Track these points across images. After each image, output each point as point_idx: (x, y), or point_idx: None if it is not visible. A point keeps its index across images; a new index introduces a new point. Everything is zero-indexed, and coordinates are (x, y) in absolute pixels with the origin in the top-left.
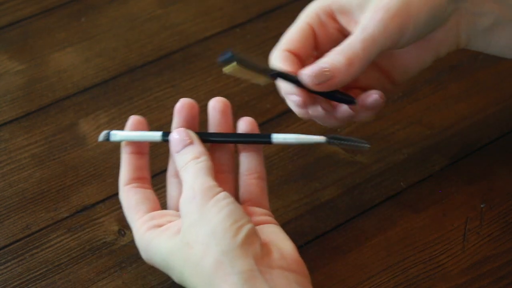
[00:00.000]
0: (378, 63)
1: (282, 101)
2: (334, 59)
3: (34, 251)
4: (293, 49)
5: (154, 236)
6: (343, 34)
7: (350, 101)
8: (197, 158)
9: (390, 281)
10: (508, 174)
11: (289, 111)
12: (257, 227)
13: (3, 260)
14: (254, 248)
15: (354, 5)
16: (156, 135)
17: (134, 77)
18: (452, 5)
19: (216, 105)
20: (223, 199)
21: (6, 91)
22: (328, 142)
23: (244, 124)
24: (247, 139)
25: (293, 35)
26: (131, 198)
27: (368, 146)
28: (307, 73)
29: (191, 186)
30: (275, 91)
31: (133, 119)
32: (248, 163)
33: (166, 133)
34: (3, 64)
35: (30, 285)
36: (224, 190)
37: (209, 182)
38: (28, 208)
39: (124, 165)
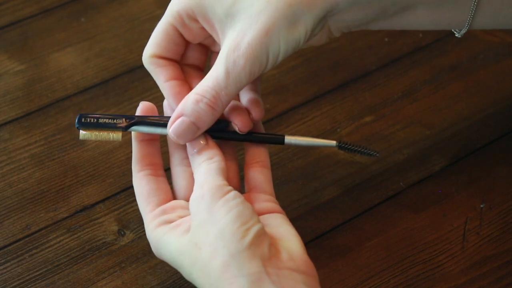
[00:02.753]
0: None
1: (282, 101)
2: (198, 110)
3: (34, 251)
4: (161, 54)
5: (164, 232)
6: (208, 33)
7: (224, 126)
8: (211, 159)
9: (390, 281)
10: (508, 174)
11: (289, 111)
12: (264, 217)
13: (3, 260)
14: (262, 249)
15: (217, 17)
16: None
17: (134, 77)
18: (319, 27)
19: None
20: (233, 199)
21: (6, 91)
22: (338, 147)
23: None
24: (260, 138)
25: (157, 38)
26: (143, 188)
27: (377, 155)
28: (173, 132)
29: (201, 185)
30: (275, 91)
31: (143, 106)
32: (253, 152)
33: None
34: (3, 64)
35: (29, 285)
36: (232, 186)
37: (219, 181)
38: (27, 208)
39: (135, 152)
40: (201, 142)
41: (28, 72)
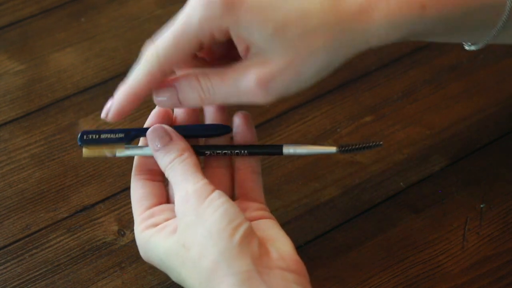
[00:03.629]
0: None
1: (282, 101)
2: (187, 90)
3: (34, 251)
4: (171, 66)
5: (150, 235)
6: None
7: (225, 132)
8: (181, 156)
9: (390, 281)
10: (508, 174)
11: (289, 111)
12: (253, 223)
13: (3, 260)
14: (252, 248)
15: (254, 41)
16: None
17: None
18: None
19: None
20: (218, 199)
21: (6, 91)
22: (340, 152)
23: (239, 119)
24: (256, 151)
25: (178, 53)
26: (137, 191)
27: (381, 143)
28: (156, 93)
29: (184, 188)
30: None
31: (158, 111)
32: (243, 157)
33: None
34: (3, 64)
35: (29, 285)
36: (219, 186)
37: (200, 180)
38: (27, 208)
39: (137, 156)
40: (163, 133)
41: (28, 72)
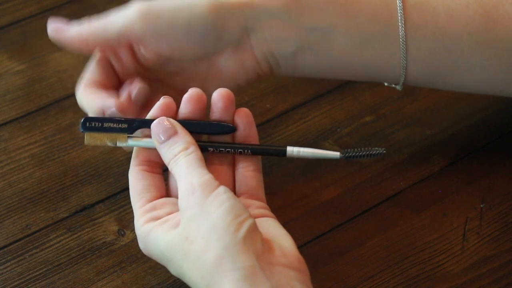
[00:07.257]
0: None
1: (282, 101)
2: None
3: (34, 251)
4: (99, 82)
5: (151, 228)
6: (138, 61)
7: (229, 131)
8: (187, 149)
9: (390, 281)
10: (508, 174)
11: (289, 111)
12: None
13: (3, 260)
14: (256, 244)
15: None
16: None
17: None
18: (236, 35)
19: (221, 93)
20: (223, 193)
21: (6, 91)
22: (343, 158)
23: (240, 118)
24: (260, 151)
25: (94, 71)
26: (138, 183)
27: (384, 151)
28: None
29: (189, 181)
30: (275, 91)
31: (163, 102)
32: (245, 156)
33: None
34: (3, 64)
35: (29, 285)
36: (221, 183)
37: (206, 175)
38: (28, 208)
39: (136, 147)
40: (168, 126)
41: (28, 72)
